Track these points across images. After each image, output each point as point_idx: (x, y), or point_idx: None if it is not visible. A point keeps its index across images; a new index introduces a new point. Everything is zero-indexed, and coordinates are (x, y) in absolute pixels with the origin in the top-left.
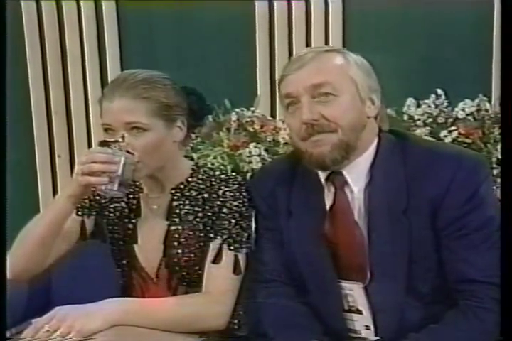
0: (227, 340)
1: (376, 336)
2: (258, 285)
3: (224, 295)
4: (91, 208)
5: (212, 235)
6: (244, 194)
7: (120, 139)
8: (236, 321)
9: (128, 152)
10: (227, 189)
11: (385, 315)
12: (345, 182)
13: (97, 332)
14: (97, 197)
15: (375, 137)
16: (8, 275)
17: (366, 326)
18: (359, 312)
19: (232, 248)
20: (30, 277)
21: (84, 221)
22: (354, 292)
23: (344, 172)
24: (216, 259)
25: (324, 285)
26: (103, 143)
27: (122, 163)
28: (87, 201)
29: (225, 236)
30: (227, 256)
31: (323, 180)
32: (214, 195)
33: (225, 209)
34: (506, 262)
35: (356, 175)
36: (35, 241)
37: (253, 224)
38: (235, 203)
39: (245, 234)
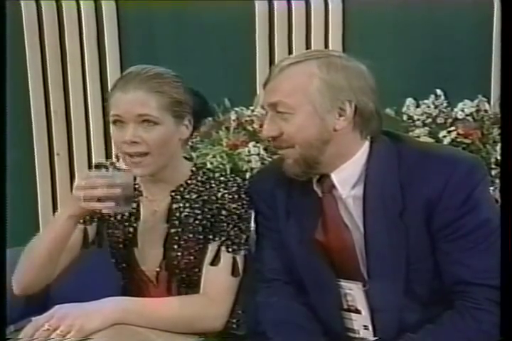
0: (226, 340)
1: (374, 336)
2: (259, 284)
3: (222, 297)
4: (93, 215)
5: (211, 237)
6: (243, 196)
7: (115, 160)
8: (235, 320)
9: (124, 170)
10: (226, 191)
11: (383, 316)
12: (333, 186)
13: (96, 331)
14: None
15: (361, 142)
16: (16, 290)
17: (365, 326)
18: (358, 311)
19: (230, 250)
20: (38, 290)
21: (87, 229)
22: (353, 291)
23: (332, 175)
24: (214, 261)
25: (323, 285)
26: (99, 166)
27: (123, 183)
28: None
29: (223, 238)
30: (226, 258)
31: (314, 183)
32: (213, 197)
33: (223, 212)
34: (506, 263)
35: (344, 179)
36: (41, 257)
37: (252, 226)
38: (234, 205)
39: (244, 236)
